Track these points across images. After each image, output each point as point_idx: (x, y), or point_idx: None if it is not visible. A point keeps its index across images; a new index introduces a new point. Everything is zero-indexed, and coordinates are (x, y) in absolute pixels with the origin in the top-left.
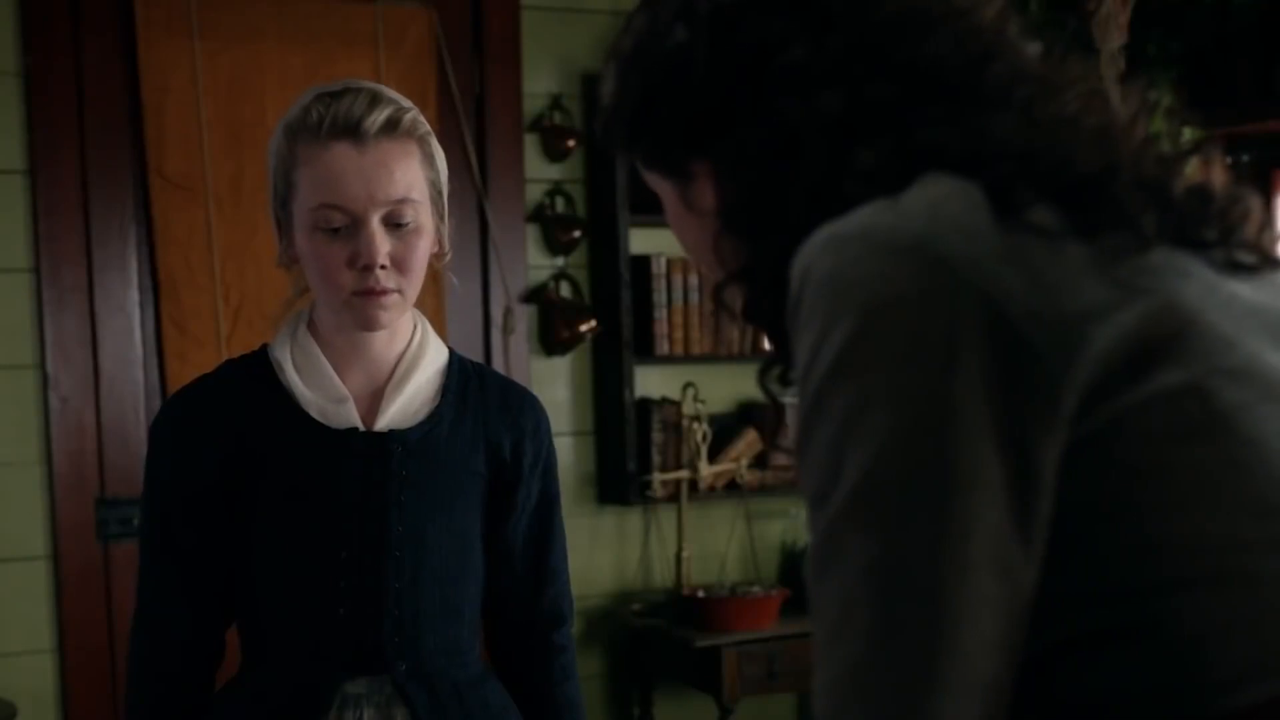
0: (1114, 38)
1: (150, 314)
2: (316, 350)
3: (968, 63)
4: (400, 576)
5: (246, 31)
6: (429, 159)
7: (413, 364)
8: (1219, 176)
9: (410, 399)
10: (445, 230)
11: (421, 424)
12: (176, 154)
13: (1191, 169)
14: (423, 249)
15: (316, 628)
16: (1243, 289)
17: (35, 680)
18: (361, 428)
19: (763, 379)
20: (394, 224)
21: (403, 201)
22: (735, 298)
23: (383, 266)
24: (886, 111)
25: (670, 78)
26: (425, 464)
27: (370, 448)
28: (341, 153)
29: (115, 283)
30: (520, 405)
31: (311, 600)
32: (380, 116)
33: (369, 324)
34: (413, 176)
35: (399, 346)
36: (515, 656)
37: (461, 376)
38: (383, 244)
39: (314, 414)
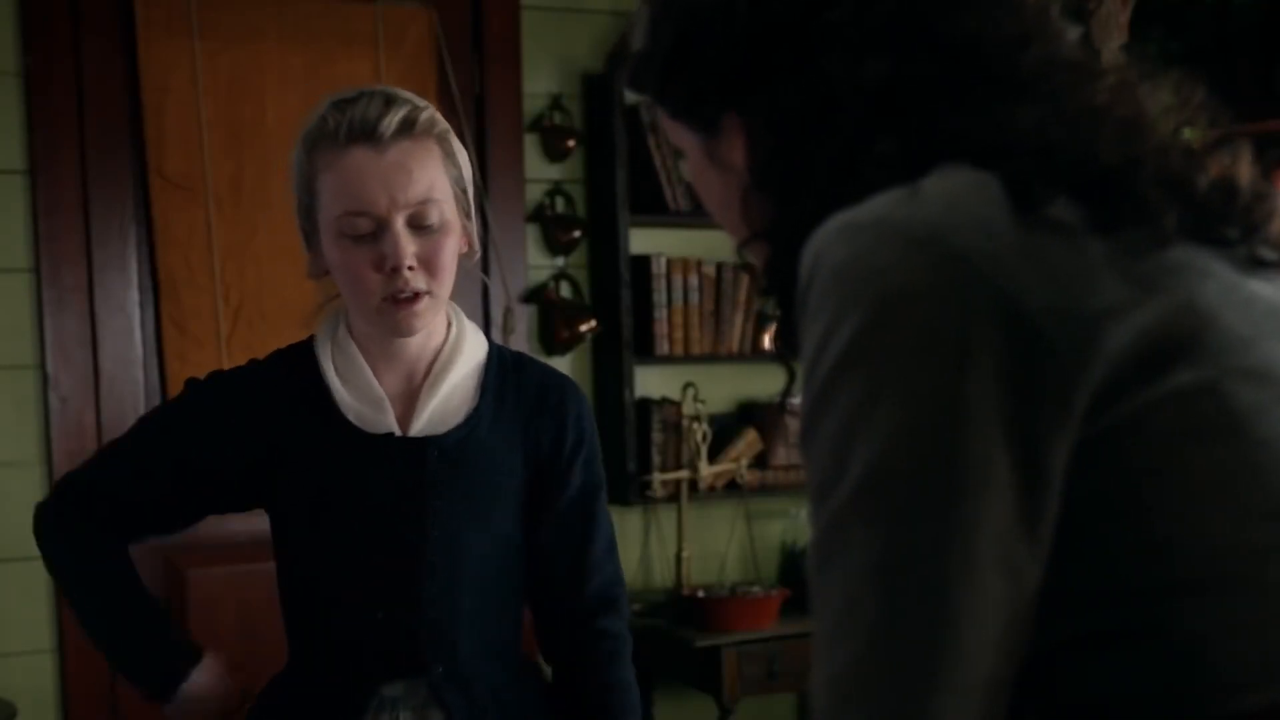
0: (1114, 38)
1: (150, 314)
2: (355, 351)
3: (1006, 43)
4: (435, 582)
5: (246, 31)
6: (450, 156)
7: (448, 362)
8: (1245, 171)
9: (446, 399)
10: (473, 228)
11: (458, 427)
12: (176, 154)
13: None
14: (450, 247)
15: (353, 631)
16: (1264, 289)
17: (35, 680)
18: (398, 432)
19: (776, 346)
20: (419, 225)
21: (425, 202)
22: (758, 256)
23: (410, 268)
24: (922, 87)
25: (710, 26)
26: (462, 469)
27: (405, 454)
28: (360, 157)
29: (115, 283)
30: (560, 397)
31: (347, 604)
32: (395, 117)
33: (402, 330)
34: (433, 175)
35: (434, 344)
36: (564, 647)
37: (500, 371)
38: (408, 245)
39: (351, 418)
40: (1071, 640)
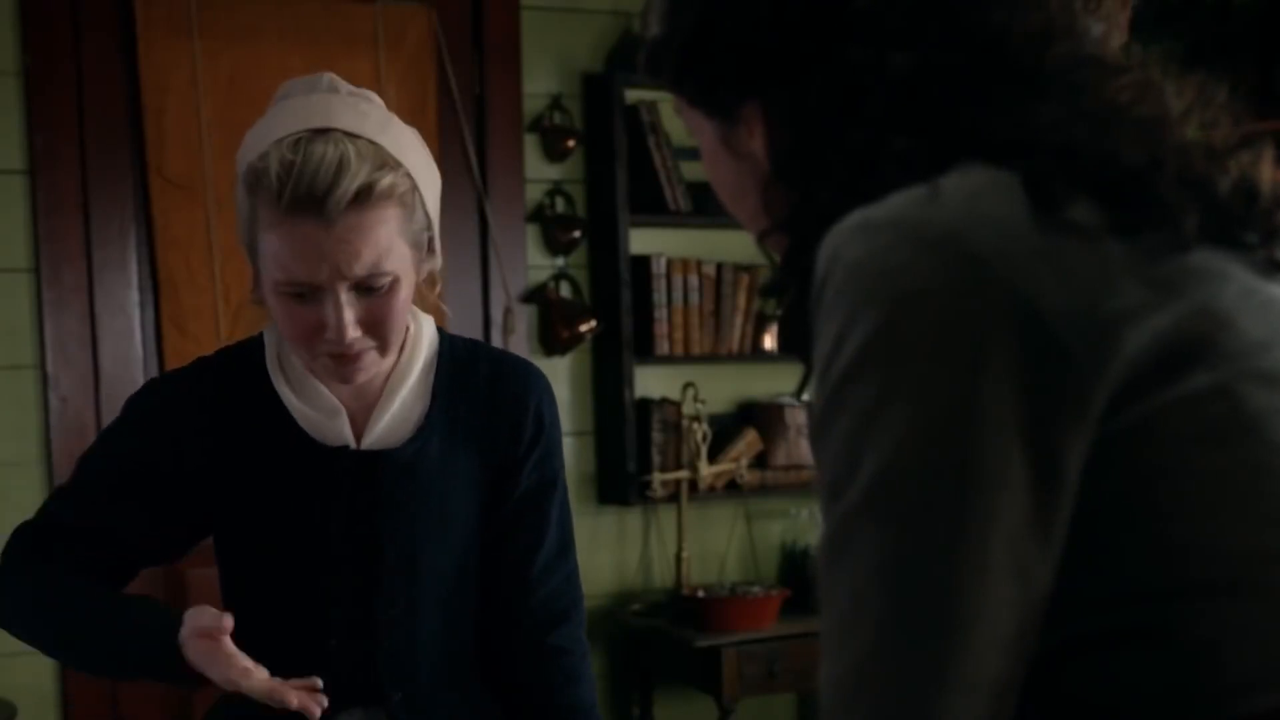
0: (1114, 37)
1: (150, 314)
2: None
3: (1032, 38)
4: (394, 606)
5: (246, 31)
6: (409, 214)
7: (405, 373)
8: (1266, 173)
9: (400, 407)
10: (437, 262)
11: (411, 440)
12: (176, 154)
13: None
14: (400, 301)
15: (306, 659)
16: None
17: (35, 680)
18: (353, 444)
19: (784, 341)
20: (366, 289)
21: (371, 275)
22: (777, 248)
23: (353, 335)
24: (947, 80)
25: (734, 11)
26: (417, 483)
27: (359, 468)
28: (304, 232)
29: (115, 283)
30: (516, 389)
31: (299, 632)
32: (350, 188)
33: (346, 382)
34: (385, 245)
35: (389, 361)
36: (513, 666)
37: (452, 368)
38: (350, 313)
39: (303, 425)
40: (1080, 640)
